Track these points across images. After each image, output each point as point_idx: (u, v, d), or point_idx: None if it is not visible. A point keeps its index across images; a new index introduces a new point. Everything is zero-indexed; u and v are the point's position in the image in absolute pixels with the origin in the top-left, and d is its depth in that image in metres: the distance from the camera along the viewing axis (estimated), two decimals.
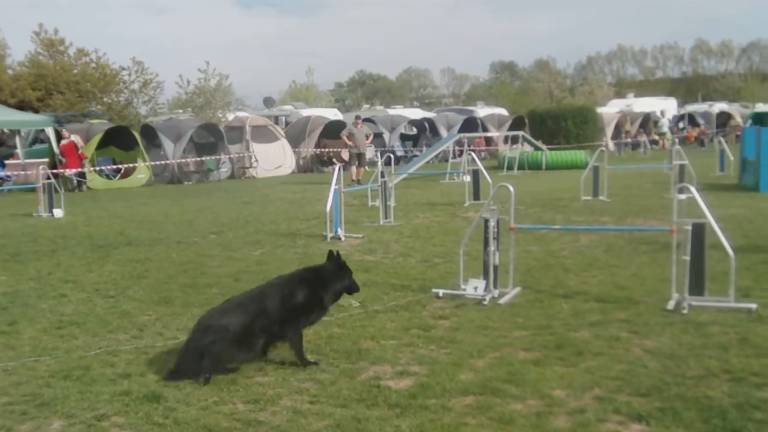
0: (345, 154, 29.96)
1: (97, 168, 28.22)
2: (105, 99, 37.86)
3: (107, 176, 28.66)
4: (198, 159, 31.54)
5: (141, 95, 38.37)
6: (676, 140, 35.77)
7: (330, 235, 13.08)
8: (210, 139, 33.00)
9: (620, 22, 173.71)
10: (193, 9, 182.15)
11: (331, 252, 6.77)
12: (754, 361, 5.98)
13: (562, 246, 11.71)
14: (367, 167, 26.72)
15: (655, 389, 5.45)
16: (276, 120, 42.84)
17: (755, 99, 74.74)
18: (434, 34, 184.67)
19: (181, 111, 40.08)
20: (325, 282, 6.55)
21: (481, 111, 50.02)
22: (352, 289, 6.80)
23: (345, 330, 7.20)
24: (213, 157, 32.04)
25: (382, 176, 15.43)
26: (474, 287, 8.31)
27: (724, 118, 55.93)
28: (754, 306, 7.51)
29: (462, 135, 31.93)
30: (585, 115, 43.48)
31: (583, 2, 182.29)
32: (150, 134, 31.53)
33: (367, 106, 69.76)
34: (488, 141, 42.15)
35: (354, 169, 26.10)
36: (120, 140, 30.03)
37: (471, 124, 42.04)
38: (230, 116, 37.46)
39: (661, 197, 17.32)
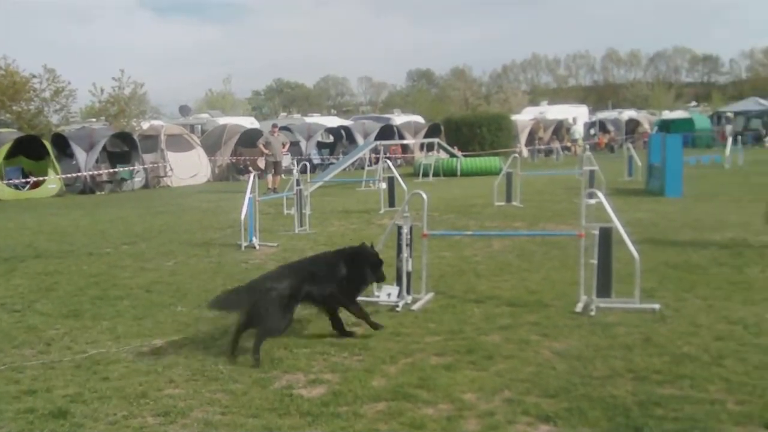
0: (261, 163, 29.78)
1: (6, 180, 27.43)
2: (14, 107, 36.69)
3: (16, 187, 27.87)
4: (111, 169, 30.94)
5: (53, 104, 37.35)
6: (587, 146, 36.64)
7: (244, 244, 12.99)
8: (124, 148, 32.46)
9: (534, 31, 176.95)
10: (107, 16, 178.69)
11: (363, 244, 7.60)
12: (657, 360, 6.17)
13: (475, 251, 11.87)
14: (283, 175, 26.61)
15: (563, 390, 5.57)
16: (192, 128, 42.40)
17: (662, 107, 77.22)
18: (352, 42, 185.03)
19: (94, 120, 39.18)
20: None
21: (398, 119, 50.29)
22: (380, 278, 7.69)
23: None
24: (127, 167, 31.49)
25: (298, 184, 15.40)
26: (387, 294, 8.35)
27: (632, 125, 57.42)
28: (657, 306, 7.76)
29: (378, 143, 32.10)
30: (499, 122, 44.17)
31: (499, 12, 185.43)
32: (62, 143, 30.91)
33: (285, 114, 69.46)
34: (404, 148, 42.45)
35: (270, 177, 25.96)
36: (30, 150, 29.31)
37: (387, 132, 42.22)
38: (145, 125, 36.85)
39: (572, 202, 17.65)
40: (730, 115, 52.76)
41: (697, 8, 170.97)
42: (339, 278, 7.11)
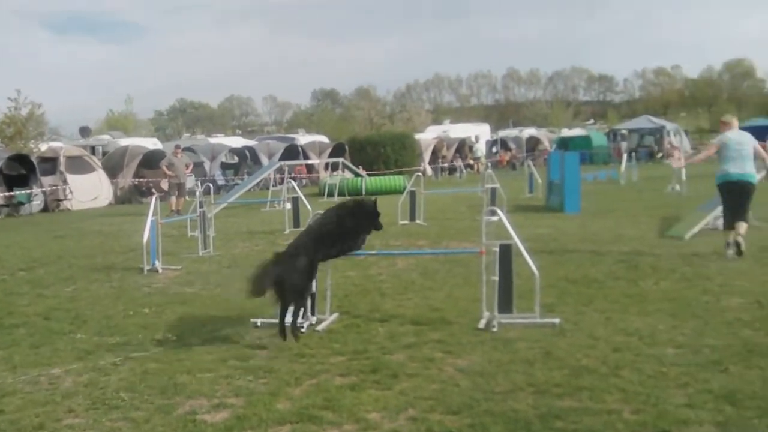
0: (165, 184, 29.34)
1: None
2: None
3: None
4: (8, 192, 30.00)
5: None
6: (489, 164, 37.27)
7: (147, 267, 12.75)
8: (21, 170, 31.48)
9: (437, 51, 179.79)
10: (3, 35, 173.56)
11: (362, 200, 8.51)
12: (557, 373, 6.31)
13: (379, 270, 11.93)
14: (187, 197, 26.27)
15: (466, 406, 5.65)
16: (92, 150, 41.44)
17: (561, 124, 79.42)
18: (256, 61, 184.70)
19: None
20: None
21: (303, 139, 50.34)
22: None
23: (161, 365, 7.05)
24: (24, 190, 30.58)
25: (201, 206, 15.23)
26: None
27: (533, 143, 58.78)
28: (557, 320, 7.95)
29: (283, 163, 32.10)
30: (403, 141, 44.65)
31: (402, 32, 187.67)
32: None
33: (188, 134, 68.66)
34: (309, 168, 42.48)
35: (174, 199, 25.55)
36: None
37: (292, 152, 42.24)
38: (43, 147, 35.83)
39: (474, 219, 17.85)
40: (624, 132, 54.54)
41: (593, 29, 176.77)
42: (345, 232, 7.96)
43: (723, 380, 5.98)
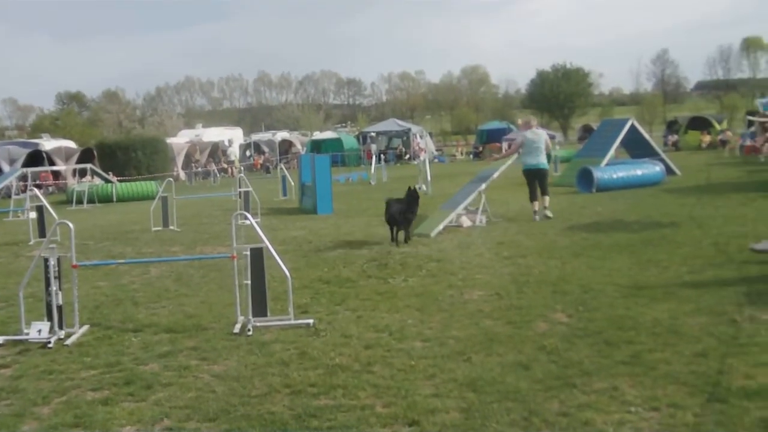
0: None
1: None
2: None
3: None
4: None
5: None
6: (243, 168, 37.20)
7: None
8: None
9: (188, 54, 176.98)
10: None
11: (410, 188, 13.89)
12: (312, 373, 6.43)
13: (132, 279, 11.57)
14: None
15: (223, 412, 5.63)
16: None
17: (312, 128, 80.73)
18: None
19: None
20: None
21: (48, 144, 47.77)
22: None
23: None
24: None
25: None
26: (38, 330, 7.92)
27: (286, 146, 59.30)
28: (311, 321, 8.09)
29: (26, 169, 30.48)
30: (155, 145, 43.69)
31: (150, 35, 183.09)
32: None
33: None
34: (56, 175, 40.54)
35: None
36: None
37: (36, 158, 40.15)
38: None
39: (229, 224, 17.79)
40: (374, 135, 56.39)
41: (341, 34, 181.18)
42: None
43: (466, 369, 6.34)
